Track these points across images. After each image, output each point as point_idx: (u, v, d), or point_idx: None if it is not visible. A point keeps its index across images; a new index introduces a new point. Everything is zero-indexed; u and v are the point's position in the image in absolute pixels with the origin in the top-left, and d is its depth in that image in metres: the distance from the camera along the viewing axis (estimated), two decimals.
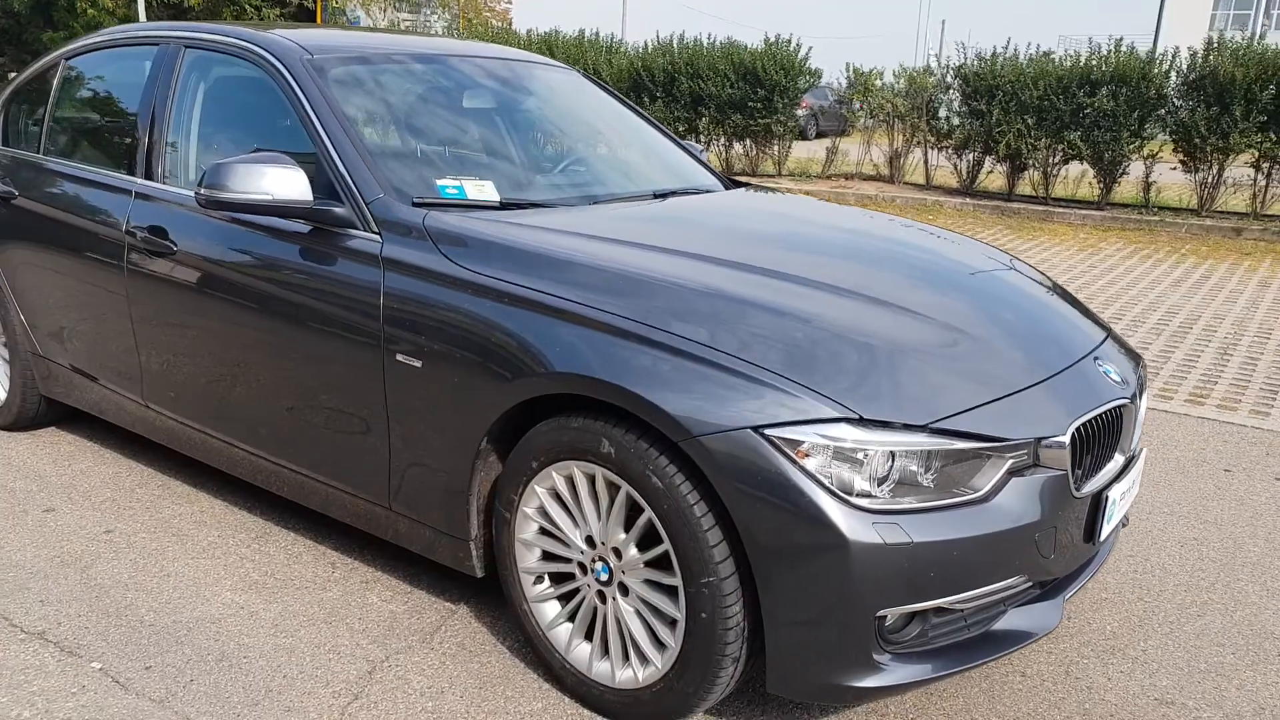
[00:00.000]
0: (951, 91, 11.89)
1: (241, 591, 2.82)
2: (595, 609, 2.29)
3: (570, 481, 2.24)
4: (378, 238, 2.55)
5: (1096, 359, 2.40)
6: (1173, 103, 10.72)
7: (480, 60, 3.46)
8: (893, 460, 1.94)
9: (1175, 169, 11.11)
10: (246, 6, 28.83)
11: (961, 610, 2.07)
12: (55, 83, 3.63)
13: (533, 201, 2.82)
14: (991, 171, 12.02)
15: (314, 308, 2.62)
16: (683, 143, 3.79)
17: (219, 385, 2.94)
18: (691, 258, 2.43)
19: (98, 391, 3.45)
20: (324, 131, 2.72)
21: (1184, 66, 10.70)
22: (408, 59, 3.20)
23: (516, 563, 2.38)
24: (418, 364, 2.40)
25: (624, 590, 2.21)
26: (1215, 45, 10.65)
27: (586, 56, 14.32)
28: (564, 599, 2.37)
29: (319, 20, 25.48)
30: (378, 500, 2.64)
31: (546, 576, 2.39)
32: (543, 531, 2.35)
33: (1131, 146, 10.80)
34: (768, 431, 1.92)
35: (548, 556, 2.36)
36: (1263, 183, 10.67)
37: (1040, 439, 2.06)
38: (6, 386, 3.86)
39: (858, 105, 13.36)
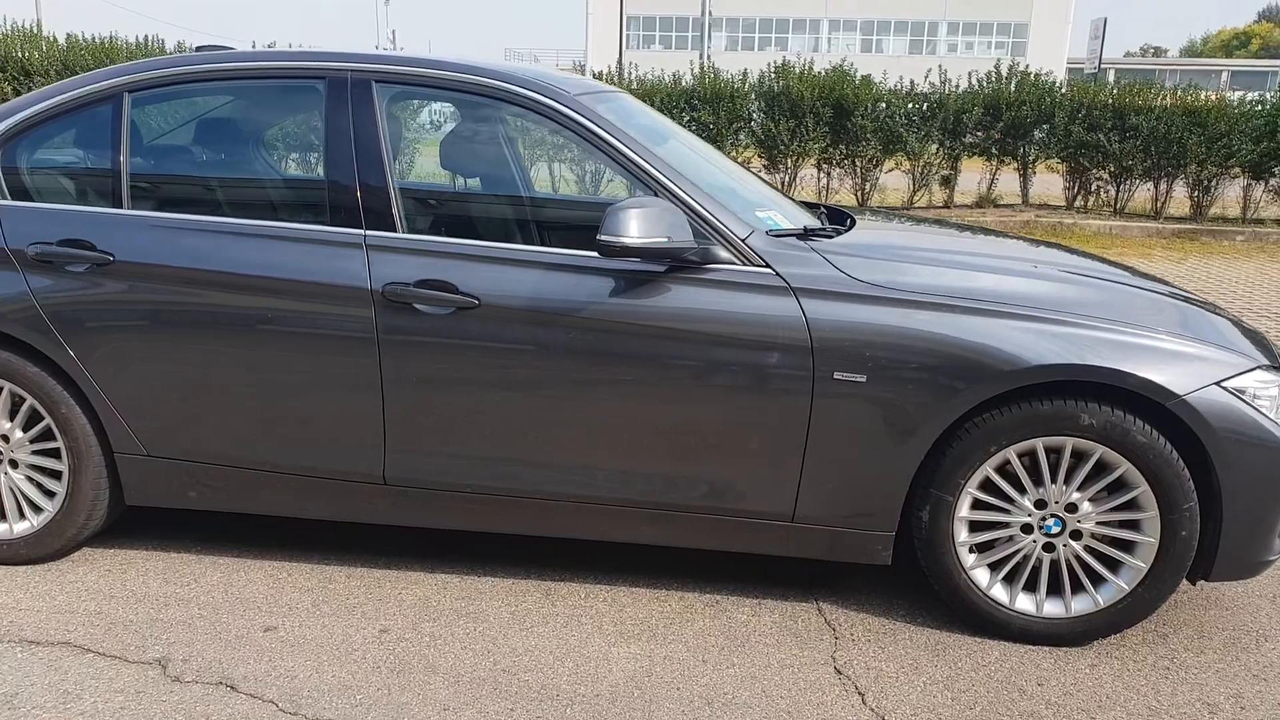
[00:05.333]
0: None
1: (621, 644, 2.74)
2: (1039, 561, 2.73)
3: (1024, 457, 2.66)
4: (768, 269, 2.69)
5: None
6: (757, 116, 12.85)
7: (615, 92, 3.51)
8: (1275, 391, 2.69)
9: (760, 171, 13.27)
10: None
11: None
12: (122, 122, 2.93)
13: (820, 229, 3.08)
14: (612, 181, 13.28)
15: (701, 342, 2.66)
16: None
17: (546, 441, 2.77)
18: (1021, 260, 2.97)
19: (267, 483, 2.93)
20: (661, 174, 2.76)
21: (758, 85, 12.90)
22: (602, 91, 3.18)
23: (954, 539, 2.73)
24: (861, 379, 2.62)
25: (1076, 536, 2.70)
26: (780, 69, 13.00)
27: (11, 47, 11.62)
28: (994, 565, 2.77)
29: None
30: (775, 517, 2.77)
31: (975, 547, 2.77)
32: (976, 505, 2.73)
33: (730, 154, 12.74)
34: (1225, 384, 2.57)
35: (975, 528, 2.75)
36: (824, 181, 13.23)
37: None
38: (59, 505, 3.02)
39: None
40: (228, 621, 2.80)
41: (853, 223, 3.29)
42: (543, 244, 2.78)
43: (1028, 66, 12.76)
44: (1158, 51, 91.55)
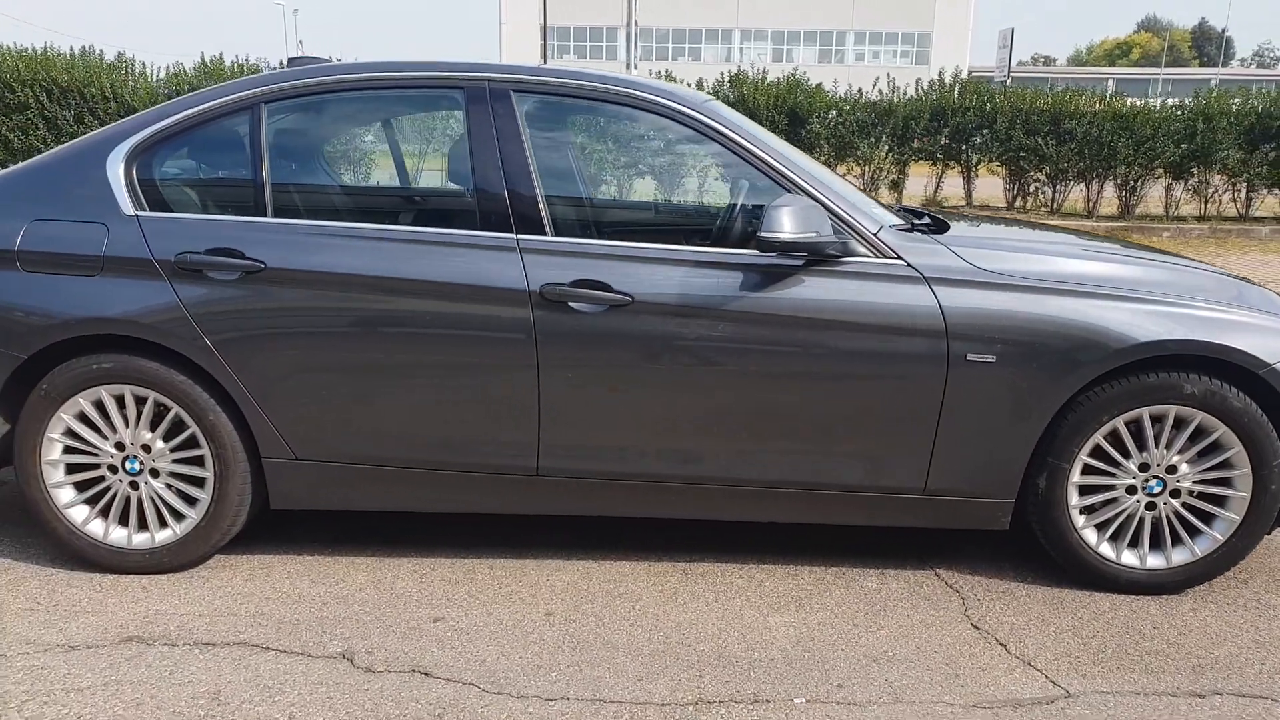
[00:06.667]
0: None
1: (773, 614, 2.93)
2: (1139, 519, 3.02)
3: (1130, 424, 2.95)
4: (900, 261, 2.92)
5: None
6: None
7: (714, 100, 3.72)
8: None
9: (718, 179, 13.61)
10: None
11: None
12: (261, 133, 3.00)
13: (922, 225, 3.33)
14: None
15: (844, 330, 2.88)
16: None
17: (697, 429, 2.95)
18: (1105, 249, 3.27)
19: (416, 480, 3.04)
20: (796, 175, 2.97)
21: (714, 94, 13.24)
22: (711, 100, 3.37)
23: (1068, 503, 3.00)
24: (991, 359, 2.87)
25: (1175, 494, 3.00)
26: (735, 77, 13.37)
27: None
28: (1101, 525, 3.05)
29: None
30: (909, 491, 3.00)
31: (1084, 509, 3.05)
32: (1086, 471, 3.00)
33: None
34: None
35: (1085, 491, 3.03)
36: None
37: None
38: (203, 512, 3.06)
39: None
40: (393, 616, 2.90)
41: (937, 220, 3.56)
42: (668, 243, 2.95)
43: (940, 72, 13.39)
44: (1048, 60, 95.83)
